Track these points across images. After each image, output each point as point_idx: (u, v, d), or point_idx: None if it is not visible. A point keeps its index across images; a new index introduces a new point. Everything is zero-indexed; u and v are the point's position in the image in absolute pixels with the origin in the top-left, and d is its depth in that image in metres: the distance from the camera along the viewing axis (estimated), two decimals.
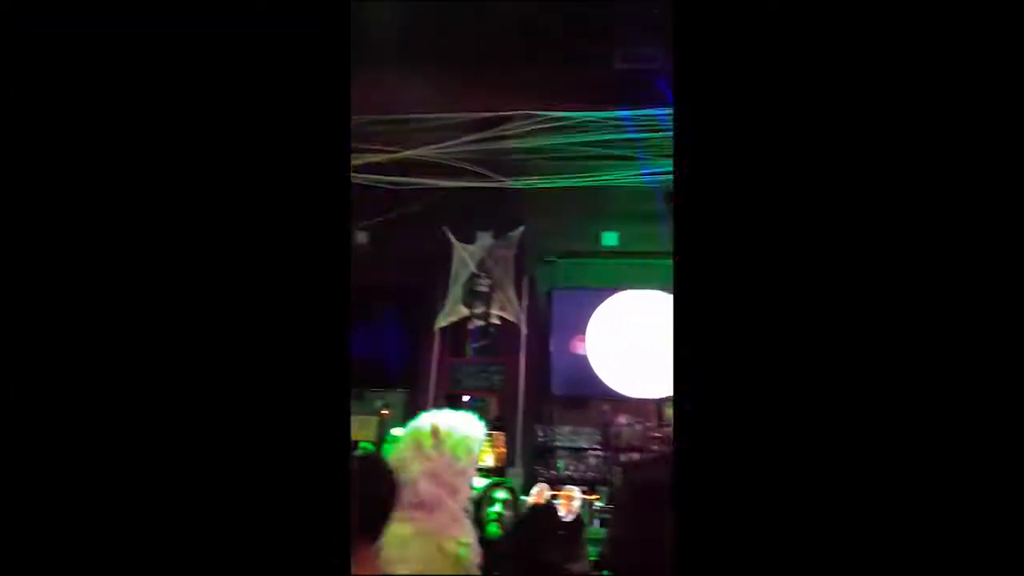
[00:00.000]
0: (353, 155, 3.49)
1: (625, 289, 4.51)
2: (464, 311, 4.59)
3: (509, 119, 3.86)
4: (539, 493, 3.10)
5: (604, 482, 4.18)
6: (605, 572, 1.74)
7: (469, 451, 1.51)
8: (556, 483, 3.73)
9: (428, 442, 1.44)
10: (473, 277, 4.61)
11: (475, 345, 4.65)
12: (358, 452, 3.21)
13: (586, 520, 3.53)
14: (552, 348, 4.52)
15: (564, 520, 2.52)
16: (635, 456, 4.17)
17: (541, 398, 4.53)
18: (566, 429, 4.44)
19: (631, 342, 4.39)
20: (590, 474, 4.29)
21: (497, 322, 4.58)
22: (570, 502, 3.02)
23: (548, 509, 2.08)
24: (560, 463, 4.35)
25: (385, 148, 3.96)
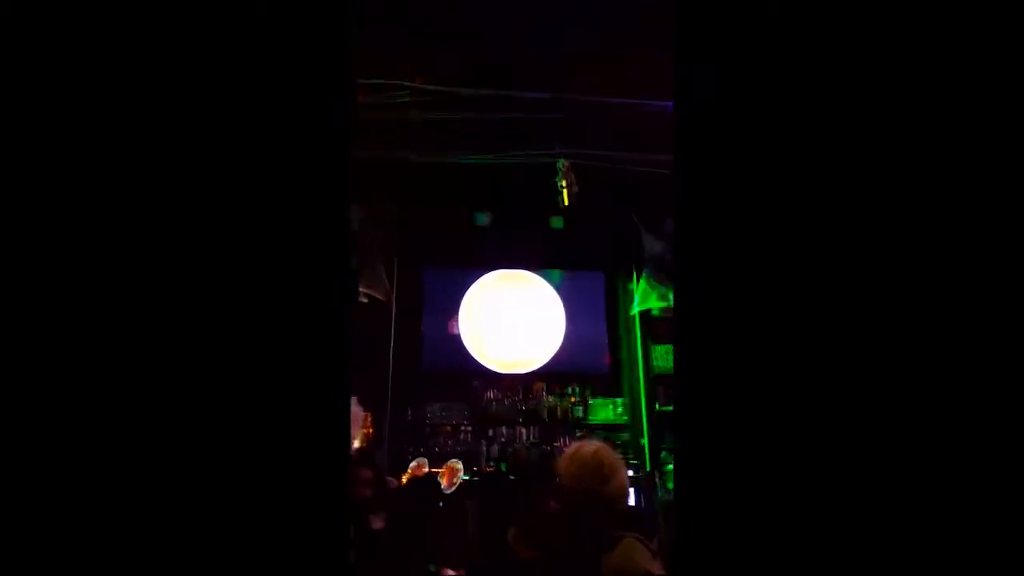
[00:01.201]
0: None
1: (495, 268, 4.60)
2: None
3: (381, 88, 3.71)
4: (418, 466, 3.06)
5: (474, 456, 4.28)
6: None
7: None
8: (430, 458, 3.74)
9: None
10: None
11: None
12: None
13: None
14: (423, 326, 4.49)
15: (446, 492, 2.51)
16: None
17: (411, 376, 4.50)
18: (436, 406, 4.46)
19: (500, 320, 4.50)
20: (459, 448, 4.37)
21: (364, 300, 4.44)
22: (452, 475, 3.00)
23: (428, 481, 2.07)
24: None
25: None
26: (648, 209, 4.41)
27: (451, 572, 1.62)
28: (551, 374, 4.57)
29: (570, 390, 4.58)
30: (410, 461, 3.35)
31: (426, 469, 3.16)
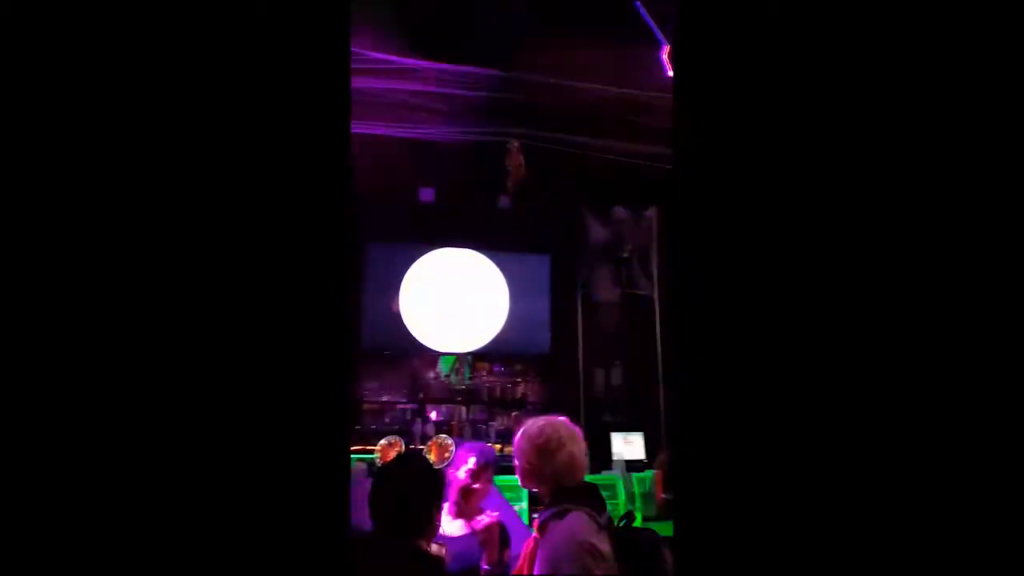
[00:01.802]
0: None
1: (440, 246, 4.55)
2: None
3: None
4: (390, 445, 2.97)
5: (408, 434, 4.27)
6: None
7: None
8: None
9: None
10: None
11: None
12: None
13: None
14: (364, 302, 4.42)
15: (437, 468, 2.42)
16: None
17: (350, 352, 4.42)
18: (374, 383, 4.41)
19: (443, 298, 4.47)
20: (395, 426, 4.34)
21: None
22: (441, 451, 2.90)
23: (415, 459, 2.01)
24: None
25: None
26: (595, 195, 4.45)
27: (434, 545, 1.62)
28: (493, 354, 4.59)
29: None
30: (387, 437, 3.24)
31: (400, 448, 3.06)
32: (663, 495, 3.56)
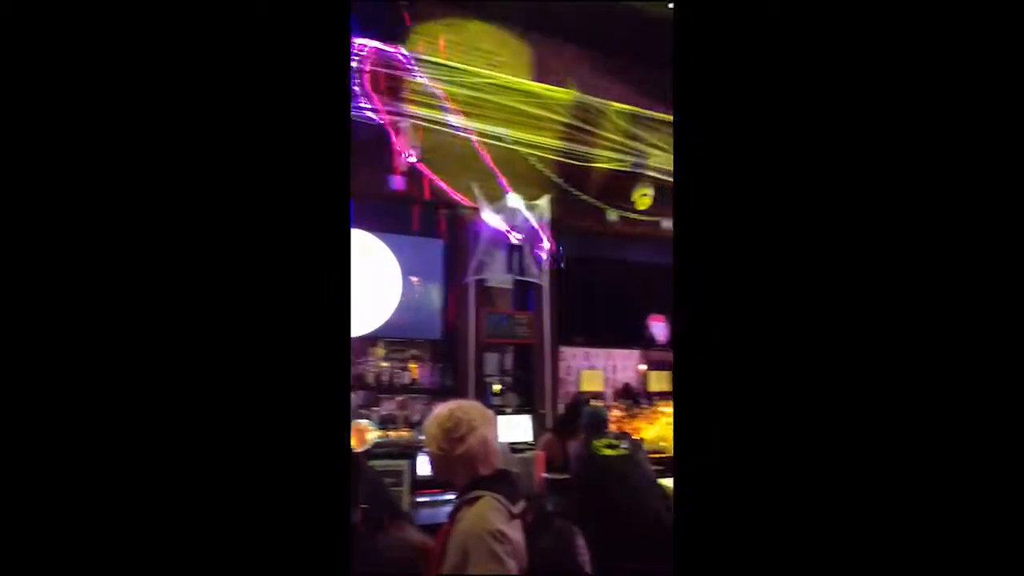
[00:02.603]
0: None
1: None
2: None
3: None
4: None
5: None
6: None
7: None
8: None
9: None
10: None
11: None
12: None
13: None
14: None
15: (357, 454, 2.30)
16: None
17: None
18: None
19: None
20: None
21: None
22: (360, 435, 2.74)
23: None
24: None
25: None
26: (489, 182, 4.48)
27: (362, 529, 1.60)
28: (383, 338, 4.51)
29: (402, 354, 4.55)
30: None
31: None
32: (543, 475, 3.64)
